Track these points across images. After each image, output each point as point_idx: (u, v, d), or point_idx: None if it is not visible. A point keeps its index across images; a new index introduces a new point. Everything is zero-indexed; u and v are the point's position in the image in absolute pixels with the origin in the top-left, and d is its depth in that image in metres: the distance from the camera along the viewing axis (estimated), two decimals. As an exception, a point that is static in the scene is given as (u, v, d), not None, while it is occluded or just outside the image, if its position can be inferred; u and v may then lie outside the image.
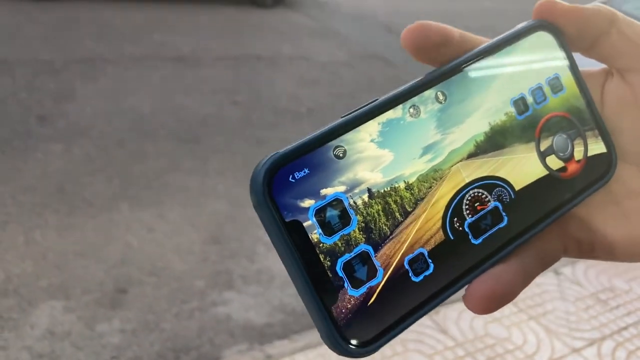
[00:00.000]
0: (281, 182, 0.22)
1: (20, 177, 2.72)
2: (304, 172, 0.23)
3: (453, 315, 2.02)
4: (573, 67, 0.29)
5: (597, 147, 0.29)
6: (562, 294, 2.16)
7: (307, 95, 4.29)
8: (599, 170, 0.29)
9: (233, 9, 6.66)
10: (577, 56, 0.29)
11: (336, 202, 0.23)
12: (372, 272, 0.23)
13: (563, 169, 0.28)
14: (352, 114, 0.24)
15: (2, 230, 2.34)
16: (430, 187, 0.25)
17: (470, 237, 0.26)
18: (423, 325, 1.97)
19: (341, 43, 5.87)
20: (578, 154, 0.29)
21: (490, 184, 0.27)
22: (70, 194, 2.64)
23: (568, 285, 2.22)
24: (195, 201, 2.73)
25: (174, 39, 5.15)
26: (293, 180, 0.23)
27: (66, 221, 2.45)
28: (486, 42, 0.28)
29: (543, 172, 0.28)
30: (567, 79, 0.29)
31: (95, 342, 1.88)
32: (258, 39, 5.66)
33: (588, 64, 0.30)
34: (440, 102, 0.26)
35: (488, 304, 0.25)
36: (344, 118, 0.24)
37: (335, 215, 0.23)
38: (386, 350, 1.86)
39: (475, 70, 0.27)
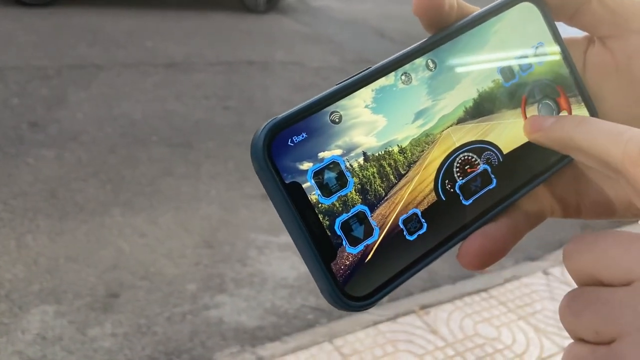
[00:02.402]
0: (280, 146, 0.24)
1: (12, 183, 2.72)
2: (302, 136, 0.24)
3: (443, 316, 2.04)
4: (556, 35, 0.30)
5: (580, 112, 0.30)
6: (551, 294, 2.18)
7: (300, 100, 4.27)
8: None
9: (225, 15, 6.69)
10: (560, 25, 0.30)
11: (333, 164, 0.24)
12: (368, 231, 0.24)
13: None
14: (347, 80, 0.25)
15: (-6, 235, 2.34)
16: (423, 151, 0.26)
17: (461, 198, 0.27)
18: (413, 326, 1.99)
19: (334, 48, 5.90)
20: None
21: (480, 147, 0.28)
22: (62, 199, 2.65)
23: (557, 285, 2.24)
24: (187, 206, 2.73)
25: (166, 45, 5.16)
26: (292, 144, 0.24)
27: (58, 226, 2.45)
28: (474, 10, 0.29)
29: None
30: (551, 47, 0.30)
31: (87, 347, 1.88)
32: (251, 44, 5.68)
33: (571, 33, 0.31)
34: (431, 70, 0.27)
35: (481, 260, 0.26)
36: (339, 85, 0.25)
37: (332, 177, 0.24)
38: (377, 350, 1.87)
39: (464, 39, 0.28)
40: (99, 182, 2.82)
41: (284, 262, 2.39)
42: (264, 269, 2.33)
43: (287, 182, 0.23)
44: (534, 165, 0.29)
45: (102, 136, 3.31)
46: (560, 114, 0.30)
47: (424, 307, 2.10)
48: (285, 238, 2.56)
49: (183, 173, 3.02)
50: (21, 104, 3.58)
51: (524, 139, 0.28)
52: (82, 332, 1.93)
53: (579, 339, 0.22)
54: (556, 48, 0.30)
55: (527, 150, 0.29)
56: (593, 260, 0.21)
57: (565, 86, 0.30)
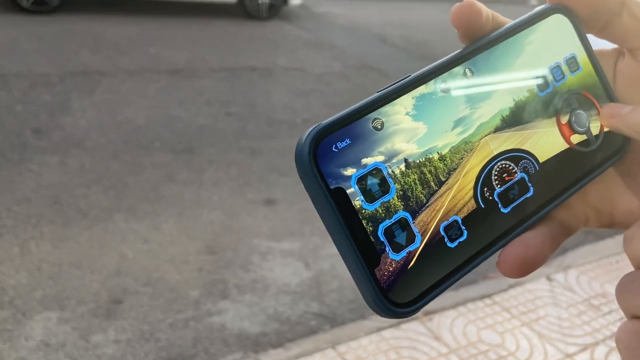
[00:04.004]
0: (325, 152, 0.24)
1: (15, 189, 2.73)
2: (346, 142, 0.24)
3: (446, 322, 2.03)
4: (587, 47, 0.31)
5: None
6: (555, 300, 2.17)
7: (302, 106, 4.32)
8: (614, 144, 0.30)
9: (228, 22, 6.72)
10: (591, 37, 0.31)
11: (376, 171, 0.24)
12: (410, 238, 0.25)
13: (582, 143, 0.30)
14: (388, 88, 0.26)
15: (-3, 242, 2.34)
16: (462, 159, 0.27)
17: (499, 205, 0.27)
18: (416, 332, 1.98)
19: (336, 54, 5.92)
20: (595, 128, 0.30)
21: (517, 156, 0.28)
22: (65, 205, 2.65)
23: (561, 291, 2.23)
24: (190, 212, 2.74)
25: (169, 52, 5.18)
26: (336, 150, 0.24)
27: (61, 232, 2.45)
28: (508, 22, 0.30)
29: (563, 145, 0.30)
30: (583, 58, 0.31)
31: (90, 353, 1.88)
32: (253, 50, 5.70)
33: (601, 44, 0.32)
34: (468, 78, 0.28)
35: (520, 268, 0.27)
36: (380, 92, 0.26)
37: (375, 184, 0.24)
38: (380, 357, 1.87)
39: (499, 50, 0.29)
40: (102, 189, 2.83)
41: (287, 268, 2.39)
42: (267, 275, 2.33)
43: (331, 187, 0.23)
44: (568, 174, 0.29)
45: (105, 142, 3.32)
46: (592, 122, 0.31)
47: (427, 313, 2.09)
48: (288, 244, 2.56)
49: (186, 179, 3.03)
50: (25, 111, 3.59)
51: (559, 148, 0.29)
52: (85, 338, 1.93)
53: (633, 317, 0.23)
54: (587, 59, 0.31)
55: (562, 159, 0.29)
56: None
57: (597, 96, 0.31)
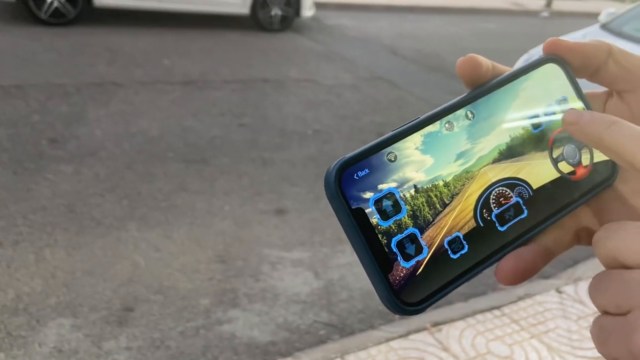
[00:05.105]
0: (348, 179, 0.29)
1: (31, 197, 2.78)
2: (365, 172, 0.29)
3: (455, 333, 2.03)
4: (578, 90, 0.35)
5: (601, 155, 0.35)
6: (565, 312, 2.16)
7: (313, 117, 4.36)
8: (604, 174, 0.34)
9: (241, 34, 6.80)
10: (583, 81, 0.35)
11: (390, 194, 0.29)
12: (419, 249, 0.29)
13: (573, 173, 0.34)
14: (400, 128, 0.31)
15: (13, 249, 2.39)
16: (463, 185, 0.31)
17: (497, 225, 0.32)
18: (425, 343, 1.99)
19: (347, 66, 5.96)
20: (585, 160, 0.34)
21: (512, 183, 0.32)
22: (79, 213, 2.70)
23: (570, 303, 2.22)
24: (201, 221, 2.77)
25: (183, 63, 5.26)
26: (357, 178, 0.29)
27: (75, 240, 2.50)
28: (506, 70, 0.34)
29: (555, 174, 0.34)
30: (574, 100, 0.35)
31: (102, 360, 1.91)
32: (265, 62, 5.77)
33: (592, 87, 0.37)
34: (470, 119, 0.32)
35: (514, 277, 0.31)
36: (394, 131, 0.30)
37: (389, 205, 0.29)
38: (388, 367, 1.87)
39: (498, 94, 0.33)
40: (115, 197, 2.87)
41: (297, 278, 2.41)
42: (277, 285, 2.35)
43: (353, 207, 0.28)
44: (560, 199, 0.33)
45: (120, 152, 3.37)
46: (583, 154, 0.35)
47: (435, 324, 2.09)
48: (298, 254, 2.58)
49: (198, 189, 3.07)
50: (41, 121, 3.67)
51: (550, 177, 0.33)
52: (98, 345, 1.96)
53: (604, 312, 0.26)
54: (578, 100, 0.35)
55: (554, 186, 0.33)
56: (617, 246, 0.26)
57: None
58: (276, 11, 7.06)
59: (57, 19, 5.93)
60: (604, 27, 4.62)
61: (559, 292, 2.28)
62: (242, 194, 3.06)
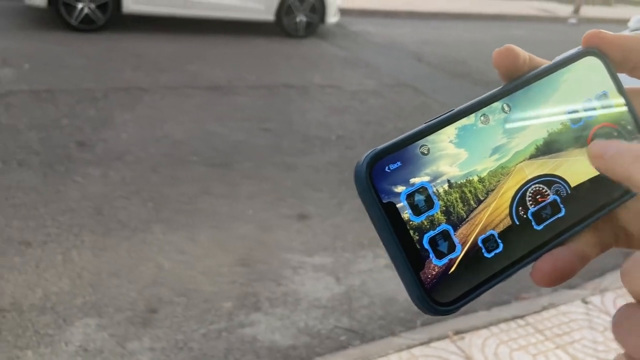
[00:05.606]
0: (379, 172, 0.27)
1: (60, 199, 2.85)
2: (397, 165, 0.28)
3: (478, 342, 2.01)
4: (619, 85, 0.34)
5: None
6: (591, 323, 2.12)
7: (337, 122, 4.37)
8: None
9: (266, 40, 6.86)
10: (623, 76, 0.34)
11: (422, 189, 0.28)
12: (452, 247, 0.28)
13: None
14: (434, 120, 0.29)
15: (42, 249, 2.45)
16: (499, 181, 0.30)
17: (533, 223, 0.30)
18: (447, 351, 1.97)
19: (371, 72, 5.97)
20: None
21: (550, 180, 0.31)
22: (106, 216, 2.75)
23: (597, 314, 2.18)
24: (225, 225, 2.80)
25: (208, 69, 5.33)
26: (388, 171, 0.28)
27: (101, 242, 2.54)
28: (544, 63, 0.33)
29: (594, 172, 0.32)
30: (614, 95, 0.34)
31: (126, 360, 1.94)
32: (290, 68, 5.81)
33: (632, 83, 0.35)
34: (506, 113, 0.31)
35: (550, 279, 0.29)
36: (427, 123, 0.29)
37: (421, 200, 0.28)
38: (409, 374, 1.86)
39: (535, 87, 0.32)
40: (141, 200, 2.92)
41: (318, 283, 2.41)
42: (298, 289, 2.36)
43: (384, 201, 0.27)
44: (598, 197, 0.32)
45: (145, 156, 3.43)
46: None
47: (458, 332, 2.07)
48: (320, 259, 2.59)
49: (221, 192, 3.10)
50: (70, 125, 3.75)
51: (589, 174, 0.32)
52: (122, 345, 1.99)
53: (629, 357, 0.24)
54: (618, 96, 0.34)
55: (592, 184, 0.32)
56: None
57: (627, 129, 0.34)
58: (301, 18, 7.11)
59: (87, 25, 6.08)
60: (633, 33, 4.53)
61: (585, 302, 2.24)
62: (265, 199, 3.08)
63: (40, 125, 3.69)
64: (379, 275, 2.49)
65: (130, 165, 3.30)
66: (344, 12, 8.12)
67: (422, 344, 1.99)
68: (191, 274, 2.39)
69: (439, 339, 2.04)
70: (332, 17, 7.38)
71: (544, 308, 2.22)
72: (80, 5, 6.00)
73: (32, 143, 3.42)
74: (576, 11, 12.05)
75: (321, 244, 2.71)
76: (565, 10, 12.33)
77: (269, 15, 7.00)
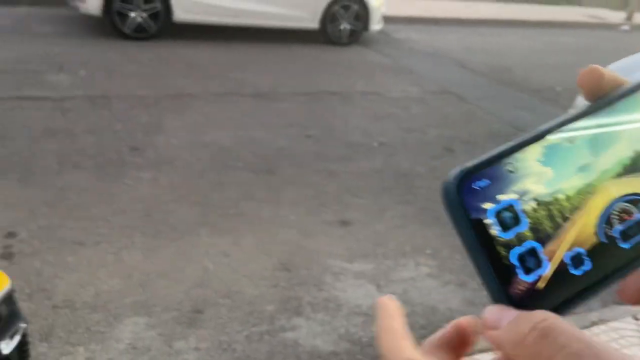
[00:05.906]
0: (468, 189, 0.29)
1: (112, 201, 2.97)
2: (485, 182, 0.29)
3: None
4: None
5: None
6: (641, 341, 2.05)
7: (379, 129, 4.38)
8: None
9: (310, 47, 6.94)
10: None
11: (510, 206, 0.29)
12: (539, 264, 0.29)
13: None
14: (520, 139, 0.30)
15: (94, 249, 2.56)
16: (585, 199, 0.30)
17: (620, 241, 0.31)
18: (489, 363, 1.94)
19: (414, 79, 5.94)
20: None
21: (636, 199, 0.31)
22: (155, 218, 2.85)
23: (648, 331, 2.11)
24: (268, 230, 2.85)
25: (254, 76, 5.43)
26: (477, 188, 0.29)
27: (151, 243, 2.64)
28: (627, 82, 0.33)
29: None
30: None
31: (173, 359, 2.00)
32: (333, 75, 5.85)
33: None
34: (592, 131, 0.31)
35: (639, 297, 0.30)
36: (514, 142, 0.30)
37: (509, 217, 0.29)
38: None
39: (620, 106, 0.32)
40: (189, 204, 3.01)
41: (359, 290, 2.43)
42: (339, 295, 2.38)
43: (472, 217, 0.28)
44: None
45: (194, 161, 3.53)
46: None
47: (501, 344, 2.04)
48: (361, 266, 2.60)
49: (265, 198, 3.16)
50: (123, 129, 3.90)
51: None
52: (169, 344, 2.06)
53: None
54: None
55: None
56: None
57: None
58: (345, 25, 7.15)
59: (140, 34, 6.31)
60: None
61: (636, 319, 2.17)
62: (307, 205, 3.12)
63: (95, 129, 3.86)
64: (421, 284, 2.48)
65: (179, 169, 3.40)
66: (387, 19, 8.12)
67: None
68: (235, 277, 2.45)
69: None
70: (375, 25, 7.39)
71: (594, 324, 2.16)
72: (133, 14, 6.23)
73: (87, 147, 3.58)
74: (629, 18, 11.64)
75: (362, 250, 2.73)
76: (617, 17, 11.93)
77: (314, 24, 7.08)
